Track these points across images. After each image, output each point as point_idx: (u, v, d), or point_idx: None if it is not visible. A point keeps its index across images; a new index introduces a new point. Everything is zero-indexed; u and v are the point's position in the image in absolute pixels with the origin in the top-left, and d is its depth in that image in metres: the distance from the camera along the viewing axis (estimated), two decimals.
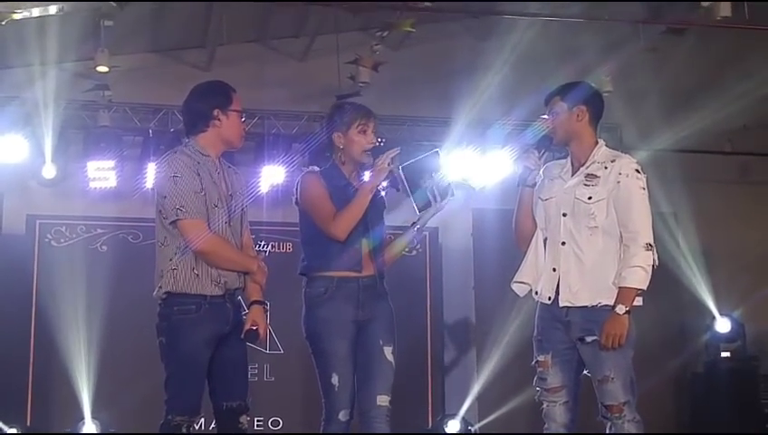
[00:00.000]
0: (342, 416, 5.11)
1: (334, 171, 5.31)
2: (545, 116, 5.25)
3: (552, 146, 5.26)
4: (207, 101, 4.93)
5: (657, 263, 5.02)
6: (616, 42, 9.55)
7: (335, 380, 5.10)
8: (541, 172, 5.31)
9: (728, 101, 9.83)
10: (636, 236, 4.99)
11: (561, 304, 5.03)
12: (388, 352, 5.20)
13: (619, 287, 4.96)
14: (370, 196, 5.17)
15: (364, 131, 5.27)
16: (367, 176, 5.40)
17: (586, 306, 5.00)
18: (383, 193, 5.50)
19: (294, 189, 5.39)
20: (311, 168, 5.44)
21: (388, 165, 5.17)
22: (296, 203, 5.37)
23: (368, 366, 5.17)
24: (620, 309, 4.93)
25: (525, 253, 5.23)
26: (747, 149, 11.38)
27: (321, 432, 5.18)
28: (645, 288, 4.98)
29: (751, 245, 11.29)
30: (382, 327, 5.22)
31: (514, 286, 5.24)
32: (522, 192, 5.24)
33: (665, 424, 10.42)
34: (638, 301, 5.09)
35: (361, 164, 5.33)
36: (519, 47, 9.29)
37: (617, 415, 4.95)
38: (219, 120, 4.91)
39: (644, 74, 10.14)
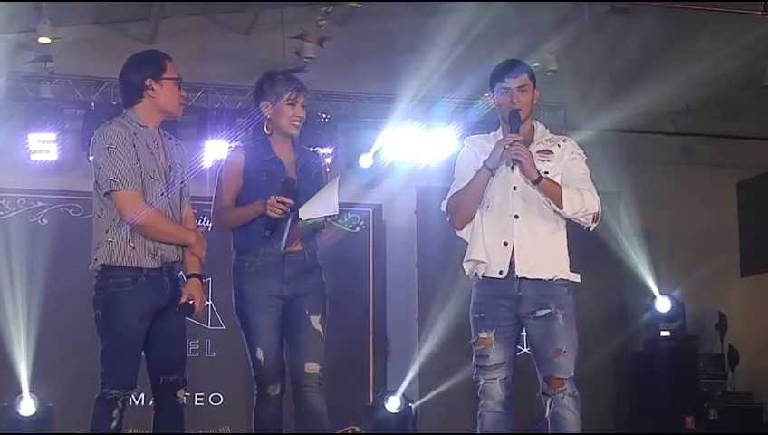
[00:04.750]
0: (271, 390, 5.16)
1: (262, 145, 5.33)
2: (510, 84, 5.17)
3: (520, 124, 5.17)
4: (139, 72, 4.89)
5: (590, 228, 5.16)
6: (560, 21, 9.59)
7: (260, 354, 5.15)
8: (466, 145, 5.39)
9: (672, 82, 9.88)
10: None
11: (519, 276, 5.04)
12: (315, 320, 5.21)
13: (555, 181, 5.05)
14: (254, 215, 5.15)
15: (293, 105, 5.26)
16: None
17: (542, 279, 5.05)
18: (327, 170, 5.49)
19: None
20: (237, 144, 5.46)
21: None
22: None
23: (294, 337, 5.19)
24: (538, 177, 5.01)
25: (471, 231, 5.22)
26: (690, 129, 11.46)
27: (253, 411, 5.22)
28: (563, 206, 5.03)
29: (692, 225, 11.40)
30: (309, 299, 5.23)
31: (467, 265, 5.22)
32: (482, 174, 5.14)
33: (605, 402, 10.51)
34: (576, 277, 5.15)
35: (288, 136, 5.32)
36: (464, 24, 9.27)
37: (559, 389, 5.01)
38: (153, 89, 4.87)
39: (588, 54, 10.18)
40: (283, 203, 5.04)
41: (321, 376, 5.16)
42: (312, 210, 5.08)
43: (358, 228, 10.10)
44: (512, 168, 5.10)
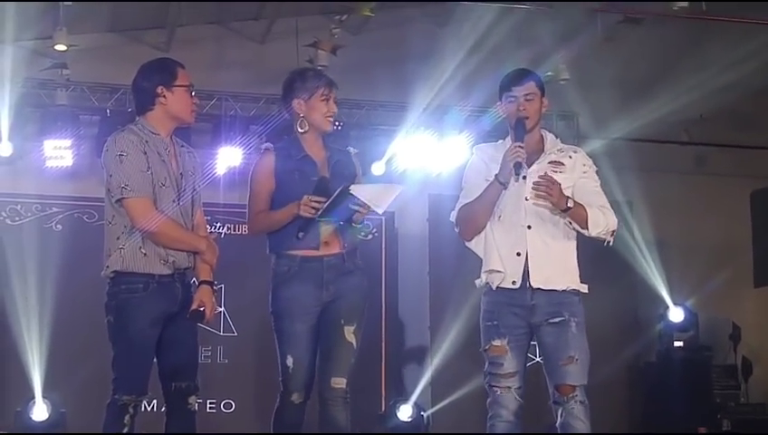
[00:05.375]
0: (296, 398, 5.13)
1: (292, 145, 5.31)
2: (517, 92, 5.14)
3: (525, 133, 5.14)
4: (151, 80, 4.93)
5: (609, 243, 5.15)
6: (573, 30, 9.59)
7: (290, 361, 5.11)
8: (475, 154, 5.38)
9: (685, 92, 9.88)
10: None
11: (534, 286, 5.02)
12: (348, 331, 5.16)
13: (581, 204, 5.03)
14: (290, 218, 5.12)
15: (326, 100, 5.28)
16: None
17: (556, 290, 5.04)
18: (357, 168, 5.48)
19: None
20: (266, 145, 5.44)
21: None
22: None
23: (326, 348, 5.16)
24: (570, 202, 4.98)
25: (483, 242, 5.18)
26: (703, 139, 11.47)
27: (274, 413, 5.20)
28: (588, 228, 5.03)
29: (705, 235, 11.36)
30: (346, 305, 5.18)
31: (484, 276, 5.17)
32: (494, 187, 5.10)
33: (618, 412, 10.51)
34: (585, 288, 5.15)
35: (323, 132, 5.32)
36: (477, 33, 9.30)
37: (570, 396, 4.98)
38: (164, 96, 4.90)
39: (601, 63, 10.18)
40: (317, 202, 5.02)
41: (348, 390, 5.13)
42: (364, 192, 5.03)
43: (370, 236, 10.12)
44: (523, 177, 5.09)
